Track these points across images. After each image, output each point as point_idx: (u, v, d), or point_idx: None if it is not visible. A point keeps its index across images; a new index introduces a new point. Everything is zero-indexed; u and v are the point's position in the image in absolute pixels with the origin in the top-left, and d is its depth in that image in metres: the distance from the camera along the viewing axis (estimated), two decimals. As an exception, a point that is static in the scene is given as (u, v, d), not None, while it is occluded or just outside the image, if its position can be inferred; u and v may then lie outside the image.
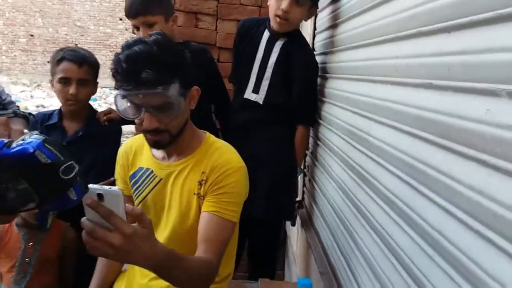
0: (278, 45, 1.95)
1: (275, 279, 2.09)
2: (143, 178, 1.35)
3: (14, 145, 0.71)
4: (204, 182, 1.25)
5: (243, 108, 2.04)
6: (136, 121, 1.22)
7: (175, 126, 1.22)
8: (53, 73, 1.80)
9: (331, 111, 1.73)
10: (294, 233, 2.50)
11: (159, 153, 1.34)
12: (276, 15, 1.82)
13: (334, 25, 1.78)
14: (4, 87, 0.92)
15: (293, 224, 2.25)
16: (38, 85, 13.29)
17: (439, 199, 0.79)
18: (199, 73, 1.96)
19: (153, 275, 1.30)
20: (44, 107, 9.37)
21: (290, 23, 1.85)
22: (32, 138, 0.72)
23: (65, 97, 1.77)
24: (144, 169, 1.35)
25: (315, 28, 2.16)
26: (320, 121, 1.91)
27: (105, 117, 1.90)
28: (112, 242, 0.82)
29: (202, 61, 2.03)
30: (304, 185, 2.28)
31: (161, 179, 1.32)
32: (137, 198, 1.38)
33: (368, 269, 1.15)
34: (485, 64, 0.69)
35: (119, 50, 1.22)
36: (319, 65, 1.96)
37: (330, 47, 1.84)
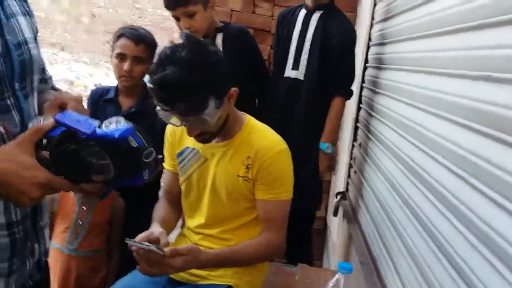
0: (314, 18, 2.01)
1: (314, 267, 2.11)
2: (189, 156, 1.41)
3: (104, 128, 0.83)
4: (250, 166, 1.30)
5: (282, 87, 2.06)
6: None
7: (216, 127, 1.28)
8: (112, 49, 1.88)
9: (384, 103, 1.72)
10: (335, 224, 2.51)
11: None
12: None
13: (392, 15, 1.76)
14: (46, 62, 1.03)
15: (335, 215, 2.26)
16: (97, 64, 13.80)
17: (490, 192, 0.78)
18: (237, 54, 1.99)
19: (201, 239, 1.40)
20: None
21: None
22: (124, 124, 0.84)
23: (120, 73, 1.84)
24: (191, 148, 1.40)
25: (372, 18, 2.13)
26: (372, 113, 1.89)
27: None
28: (173, 265, 1.14)
29: (241, 41, 2.06)
30: (349, 176, 2.27)
31: (206, 159, 1.37)
32: (182, 174, 1.44)
33: (410, 260, 1.15)
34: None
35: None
36: (374, 56, 1.95)
37: (387, 38, 1.81)
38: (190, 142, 1.41)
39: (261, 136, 1.32)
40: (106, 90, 1.98)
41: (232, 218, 1.37)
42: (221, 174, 1.35)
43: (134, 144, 0.83)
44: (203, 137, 1.29)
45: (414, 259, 1.11)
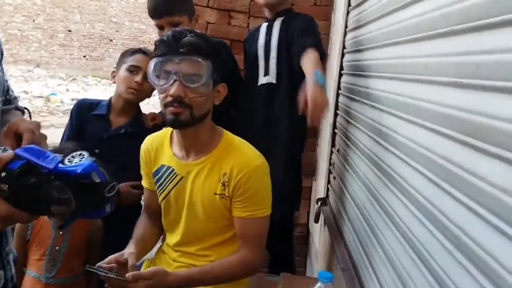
0: (277, 24, 2.07)
1: (297, 275, 2.10)
2: (165, 175, 1.39)
3: (67, 163, 0.82)
4: (227, 183, 1.29)
5: (258, 96, 2.09)
6: (163, 91, 1.27)
7: (198, 106, 1.25)
8: (121, 63, 1.87)
9: (360, 109, 1.74)
10: (317, 230, 2.51)
11: (178, 151, 1.37)
12: None
13: (365, 23, 1.78)
14: (9, 81, 1.05)
15: (316, 221, 2.27)
16: (74, 79, 13.66)
17: (461, 196, 0.79)
18: None
19: (176, 264, 1.40)
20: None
21: None
22: (87, 159, 0.83)
23: (129, 85, 1.83)
24: (166, 166, 1.39)
25: (346, 26, 2.16)
26: (349, 119, 1.91)
27: (152, 123, 1.95)
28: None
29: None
30: (328, 182, 2.28)
31: (182, 177, 1.36)
32: (160, 194, 1.43)
33: (389, 265, 1.16)
34: (513, 62, 0.69)
35: (152, 47, 1.32)
36: (349, 63, 1.97)
37: (361, 45, 1.84)
38: (165, 160, 1.39)
39: (237, 153, 1.31)
40: (95, 103, 1.95)
41: (211, 236, 1.37)
42: (197, 192, 1.34)
43: (97, 179, 0.82)
44: (182, 111, 1.24)
45: (393, 265, 1.12)
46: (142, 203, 1.68)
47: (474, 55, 0.82)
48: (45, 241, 1.65)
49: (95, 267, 1.19)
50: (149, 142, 1.47)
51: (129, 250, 1.31)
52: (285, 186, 2.01)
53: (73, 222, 0.88)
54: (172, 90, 1.22)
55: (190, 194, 1.34)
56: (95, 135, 1.88)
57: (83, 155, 0.84)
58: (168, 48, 1.22)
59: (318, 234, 2.46)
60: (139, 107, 1.99)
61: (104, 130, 1.88)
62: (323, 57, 1.82)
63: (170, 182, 1.39)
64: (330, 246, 1.99)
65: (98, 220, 1.75)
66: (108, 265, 1.26)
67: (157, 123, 1.95)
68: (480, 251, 0.71)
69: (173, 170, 1.37)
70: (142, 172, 1.49)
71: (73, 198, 0.81)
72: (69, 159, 0.83)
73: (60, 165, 0.81)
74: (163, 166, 1.40)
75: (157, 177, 1.42)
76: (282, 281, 1.78)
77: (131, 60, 1.85)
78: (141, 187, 1.60)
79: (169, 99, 1.23)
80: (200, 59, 1.22)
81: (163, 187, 1.41)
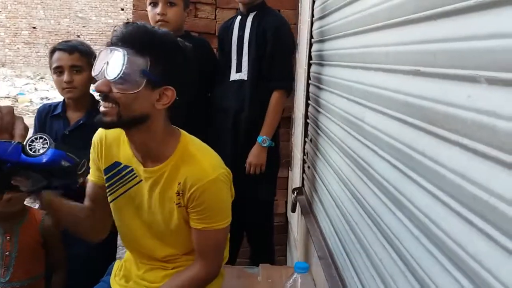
0: (249, 20, 2.10)
1: (277, 265, 2.13)
2: (121, 174, 1.29)
3: (29, 151, 0.81)
4: (181, 193, 1.22)
5: (229, 91, 2.11)
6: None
7: (124, 104, 1.11)
8: (50, 66, 1.85)
9: (328, 99, 1.75)
10: (295, 220, 2.54)
11: (137, 154, 1.27)
12: None
13: (329, 12, 1.79)
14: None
15: (293, 211, 2.29)
16: (42, 78, 13.33)
17: (425, 183, 0.81)
18: (199, 65, 2.10)
19: (148, 266, 1.35)
20: (49, 99, 9.41)
21: None
22: (50, 146, 0.84)
23: (61, 86, 1.83)
24: (123, 165, 1.29)
25: (312, 15, 2.16)
26: (319, 108, 1.93)
27: None
28: None
29: (203, 53, 2.12)
30: (303, 172, 2.30)
31: (141, 180, 1.27)
32: (112, 193, 1.32)
33: (362, 252, 1.18)
34: (467, 51, 0.70)
35: None
36: (316, 53, 1.98)
37: (326, 35, 1.85)
38: (122, 158, 1.30)
39: (192, 163, 1.22)
40: (54, 106, 1.97)
41: (179, 240, 1.31)
42: (155, 201, 1.26)
43: (67, 164, 0.84)
44: (108, 108, 1.12)
45: (367, 253, 1.14)
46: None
47: (431, 43, 0.83)
48: None
49: None
50: (103, 134, 1.33)
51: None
52: (262, 176, 2.05)
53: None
54: (95, 84, 1.13)
55: (150, 200, 1.26)
56: (57, 134, 1.88)
57: (45, 139, 0.83)
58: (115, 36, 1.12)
59: (296, 223, 2.49)
60: (93, 97, 1.95)
61: (63, 127, 1.89)
62: (290, 90, 2.13)
63: (127, 183, 1.29)
64: (307, 234, 2.02)
65: (48, 218, 1.72)
66: None
67: None
68: (445, 237, 0.73)
69: (132, 170, 1.27)
70: (91, 163, 1.35)
71: (44, 179, 0.82)
72: (29, 145, 0.81)
73: (23, 156, 0.80)
74: (118, 163, 1.29)
75: (109, 174, 1.31)
76: (262, 271, 1.80)
77: (53, 62, 1.83)
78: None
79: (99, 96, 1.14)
80: (123, 50, 1.07)
81: (117, 186, 1.30)
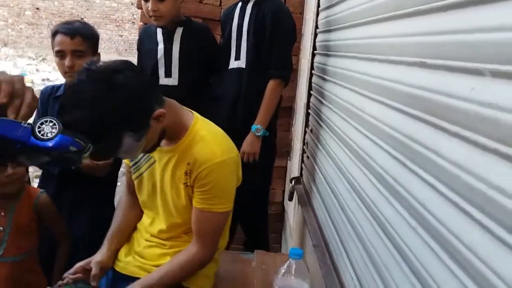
0: (249, 8, 2.07)
1: (272, 252, 2.14)
2: (140, 155, 1.36)
3: (38, 133, 0.82)
4: (189, 173, 1.26)
5: (227, 79, 2.11)
6: None
7: (150, 145, 1.23)
8: (52, 48, 1.84)
9: (331, 89, 1.75)
10: (291, 208, 2.55)
11: None
12: None
13: (335, 3, 1.79)
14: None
15: (290, 199, 2.30)
16: (44, 59, 13.25)
17: (425, 174, 0.82)
18: (200, 51, 2.09)
19: (147, 243, 1.39)
20: (50, 81, 9.37)
21: None
22: (59, 131, 0.84)
23: (63, 69, 1.81)
24: None
25: (318, 5, 2.16)
26: (321, 99, 1.93)
27: None
28: None
29: (200, 38, 2.12)
30: (302, 161, 2.31)
31: (155, 161, 1.34)
32: (134, 173, 1.42)
33: (357, 241, 1.19)
34: (472, 44, 0.70)
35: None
36: (321, 43, 1.98)
37: (332, 25, 1.84)
38: None
39: (202, 144, 1.26)
40: (56, 87, 1.95)
41: (188, 219, 1.34)
42: (167, 181, 1.32)
43: (74, 149, 0.85)
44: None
45: (362, 241, 1.15)
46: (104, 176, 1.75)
47: (437, 35, 0.83)
48: None
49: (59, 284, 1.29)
50: None
51: (98, 256, 1.35)
52: (256, 165, 2.05)
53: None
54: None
55: (162, 179, 1.33)
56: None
57: (54, 123, 0.84)
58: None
59: (293, 212, 2.51)
60: None
61: None
62: (287, 80, 2.09)
63: (145, 163, 1.38)
64: (303, 223, 2.03)
65: (43, 195, 1.73)
66: (74, 276, 1.29)
67: None
68: (441, 228, 0.74)
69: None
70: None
71: (46, 157, 0.84)
72: (38, 127, 0.83)
73: (33, 139, 0.82)
74: None
75: None
76: (256, 258, 1.81)
77: (55, 45, 1.80)
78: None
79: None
80: (115, 152, 1.18)
81: (138, 166, 1.40)
